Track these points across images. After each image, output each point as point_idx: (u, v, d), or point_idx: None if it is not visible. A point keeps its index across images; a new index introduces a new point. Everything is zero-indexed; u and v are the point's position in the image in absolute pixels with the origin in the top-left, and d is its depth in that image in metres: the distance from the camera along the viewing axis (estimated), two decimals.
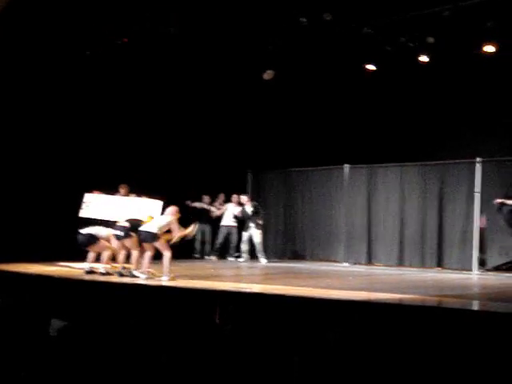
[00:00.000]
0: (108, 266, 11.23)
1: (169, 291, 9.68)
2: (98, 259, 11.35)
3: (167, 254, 10.51)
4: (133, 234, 10.85)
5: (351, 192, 15.78)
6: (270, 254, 15.80)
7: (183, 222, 11.03)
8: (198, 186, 15.64)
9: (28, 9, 11.83)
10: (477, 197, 13.84)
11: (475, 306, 8.38)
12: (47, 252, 12.76)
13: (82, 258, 11.51)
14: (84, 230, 11.24)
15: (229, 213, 16.07)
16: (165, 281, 10.32)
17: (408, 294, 9.17)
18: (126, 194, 12.61)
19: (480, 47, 12.70)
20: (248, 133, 16.23)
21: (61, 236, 13.08)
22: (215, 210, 16.09)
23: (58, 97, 13.88)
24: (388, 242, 15.19)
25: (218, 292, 9.07)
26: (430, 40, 12.70)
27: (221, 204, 16.24)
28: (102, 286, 10.22)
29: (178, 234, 10.66)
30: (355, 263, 15.38)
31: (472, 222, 13.94)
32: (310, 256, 16.36)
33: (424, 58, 13.57)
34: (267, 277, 12.57)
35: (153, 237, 10.50)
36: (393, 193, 15.25)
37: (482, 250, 13.85)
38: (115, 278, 10.74)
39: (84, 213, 12.17)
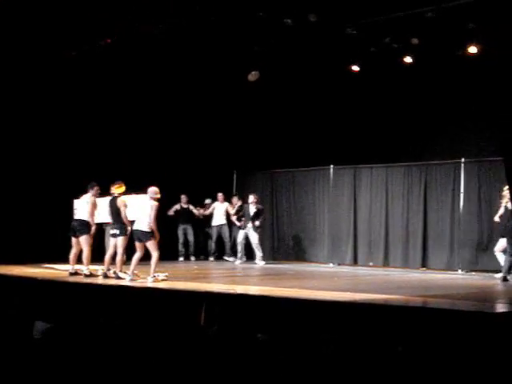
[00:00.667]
0: (91, 267, 11.20)
1: (154, 292, 9.65)
2: (79, 260, 11.31)
3: (155, 255, 10.51)
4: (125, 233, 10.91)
5: (336, 193, 15.80)
6: (254, 254, 15.79)
7: (167, 224, 10.99)
8: (183, 185, 15.58)
9: (15, 8, 11.75)
10: (461, 197, 13.92)
11: (460, 306, 8.40)
12: (31, 254, 12.70)
13: (65, 260, 11.46)
14: (78, 216, 11.42)
15: (218, 211, 16.01)
16: (150, 282, 10.30)
17: (393, 294, 9.20)
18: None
19: (463, 48, 12.77)
20: (234, 133, 16.23)
21: (45, 238, 13.03)
22: (197, 212, 16.00)
23: (50, 99, 13.81)
24: (373, 242, 15.22)
25: (202, 293, 9.06)
26: (414, 41, 12.75)
27: (207, 207, 16.15)
28: (87, 287, 10.18)
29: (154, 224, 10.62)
30: (340, 264, 15.41)
31: (456, 222, 14.02)
32: (295, 257, 16.37)
33: (408, 59, 13.62)
34: (252, 278, 12.57)
35: (146, 235, 10.51)
36: (378, 193, 15.30)
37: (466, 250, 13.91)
38: (100, 280, 10.71)
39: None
